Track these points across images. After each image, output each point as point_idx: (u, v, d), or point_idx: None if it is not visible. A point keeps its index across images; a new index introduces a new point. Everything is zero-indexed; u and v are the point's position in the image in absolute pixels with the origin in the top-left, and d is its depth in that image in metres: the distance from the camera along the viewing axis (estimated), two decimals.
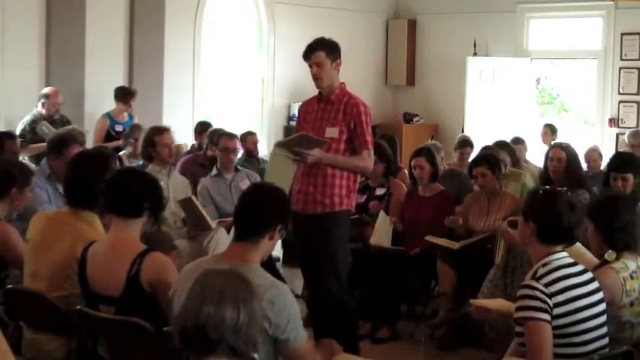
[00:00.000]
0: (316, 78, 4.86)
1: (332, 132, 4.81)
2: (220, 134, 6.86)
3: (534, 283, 3.17)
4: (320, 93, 4.94)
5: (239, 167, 6.76)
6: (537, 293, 3.14)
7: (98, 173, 3.71)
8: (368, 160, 4.91)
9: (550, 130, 9.65)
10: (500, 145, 7.28)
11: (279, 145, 4.89)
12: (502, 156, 6.53)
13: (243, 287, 2.30)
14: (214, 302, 2.24)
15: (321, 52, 4.82)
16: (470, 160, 7.32)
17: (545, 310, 3.12)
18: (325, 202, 4.82)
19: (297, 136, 4.83)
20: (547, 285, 3.16)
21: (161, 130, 6.11)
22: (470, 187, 6.44)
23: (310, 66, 4.86)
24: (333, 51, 4.87)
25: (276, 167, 4.80)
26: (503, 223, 5.36)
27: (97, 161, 3.97)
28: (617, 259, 3.62)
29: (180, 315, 2.30)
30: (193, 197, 5.90)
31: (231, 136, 6.77)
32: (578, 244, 3.95)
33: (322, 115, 4.88)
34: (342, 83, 4.94)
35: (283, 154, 4.74)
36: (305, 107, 5.08)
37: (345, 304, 4.90)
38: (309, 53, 4.85)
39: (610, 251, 3.64)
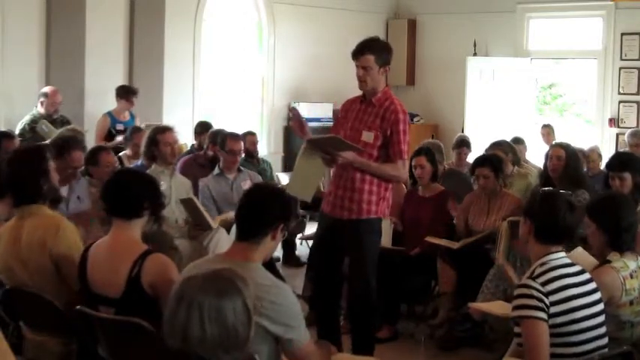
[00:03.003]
0: (361, 80, 4.69)
1: (368, 136, 4.64)
2: (226, 135, 6.76)
3: (531, 282, 3.18)
4: (364, 94, 4.77)
5: (242, 168, 6.74)
6: (534, 292, 3.14)
7: (33, 168, 3.79)
8: (402, 169, 4.73)
9: (552, 130, 9.65)
10: (501, 144, 7.26)
11: (311, 142, 4.66)
12: (507, 155, 6.52)
13: (214, 295, 2.15)
14: (186, 322, 2.15)
15: (371, 55, 4.62)
16: (468, 159, 7.32)
17: (541, 309, 3.12)
18: (352, 207, 4.66)
19: (328, 137, 4.68)
20: (543, 284, 3.16)
21: (164, 129, 6.10)
22: (469, 187, 6.43)
23: (357, 66, 4.68)
24: (383, 56, 4.67)
25: (305, 164, 4.65)
26: (504, 223, 5.37)
27: (29, 157, 4.01)
28: None
29: (167, 334, 2.22)
30: (194, 197, 5.90)
31: (238, 137, 6.74)
32: (579, 249, 3.96)
33: (362, 117, 4.72)
34: (387, 86, 4.77)
35: (313, 151, 4.60)
36: (348, 106, 4.89)
37: (372, 311, 4.81)
38: (358, 54, 4.66)
39: (613, 252, 3.64)
